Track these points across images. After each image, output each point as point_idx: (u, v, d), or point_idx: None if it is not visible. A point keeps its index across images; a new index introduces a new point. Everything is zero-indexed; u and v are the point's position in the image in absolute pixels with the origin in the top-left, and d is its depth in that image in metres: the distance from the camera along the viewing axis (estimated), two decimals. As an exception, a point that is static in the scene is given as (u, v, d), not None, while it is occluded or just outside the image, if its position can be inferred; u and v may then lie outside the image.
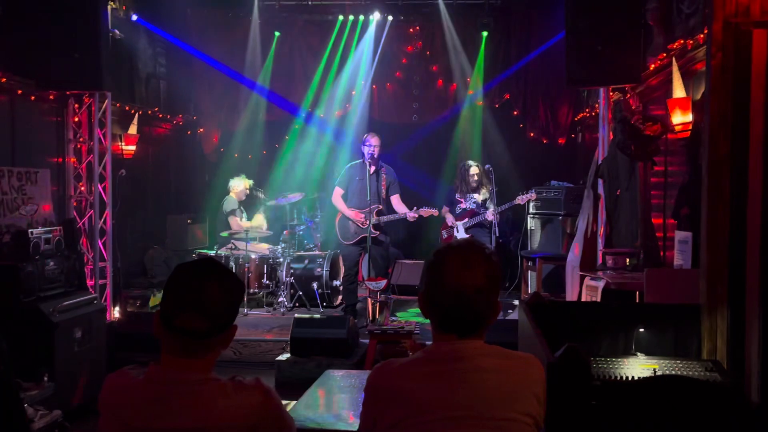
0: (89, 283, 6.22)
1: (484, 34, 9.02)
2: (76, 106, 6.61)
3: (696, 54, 4.92)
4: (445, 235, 7.46)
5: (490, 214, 7.00)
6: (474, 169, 7.24)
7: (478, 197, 7.22)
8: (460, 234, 7.28)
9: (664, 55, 5.49)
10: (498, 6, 8.89)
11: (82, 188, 6.64)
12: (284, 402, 1.83)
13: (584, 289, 5.22)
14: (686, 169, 5.04)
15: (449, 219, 7.34)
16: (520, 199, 7.12)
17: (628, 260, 5.21)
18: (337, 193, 6.98)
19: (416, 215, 6.82)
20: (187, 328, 1.63)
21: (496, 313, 1.77)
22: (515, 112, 9.39)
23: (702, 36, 4.69)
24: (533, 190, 7.26)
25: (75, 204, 6.60)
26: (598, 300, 4.80)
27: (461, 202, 7.34)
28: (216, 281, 1.68)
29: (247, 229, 7.39)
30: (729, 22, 2.86)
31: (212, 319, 1.65)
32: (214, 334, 1.66)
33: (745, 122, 2.88)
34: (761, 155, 2.84)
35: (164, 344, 1.68)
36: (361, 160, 6.87)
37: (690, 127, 4.93)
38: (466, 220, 7.25)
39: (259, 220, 7.96)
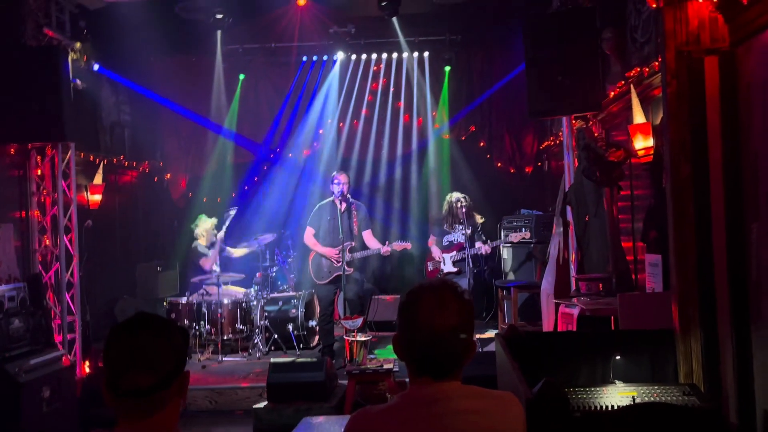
0: (57, 338, 6.05)
1: (447, 68, 9.16)
2: (39, 158, 6.51)
3: (652, 81, 5.04)
4: (431, 268, 7.42)
5: (483, 249, 7.02)
6: (462, 201, 7.25)
7: (464, 230, 7.17)
8: (447, 267, 7.27)
9: (623, 82, 5.61)
10: (459, 42, 9.05)
11: (47, 241, 6.50)
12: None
13: (560, 316, 5.22)
14: (651, 192, 5.11)
15: (435, 252, 7.31)
16: (513, 237, 7.25)
17: (601, 285, 5.24)
18: (309, 233, 6.95)
19: (389, 249, 6.82)
20: (134, 387, 1.55)
21: (471, 352, 1.74)
22: (482, 144, 9.50)
23: (657, 63, 4.81)
24: (525, 230, 7.40)
25: (40, 258, 6.44)
26: (574, 327, 4.80)
27: (449, 233, 7.36)
28: (150, 331, 1.61)
29: (217, 273, 7.29)
30: (681, 50, 2.95)
31: (156, 372, 1.57)
32: (164, 386, 1.58)
33: (704, 146, 2.94)
34: (722, 177, 2.90)
35: (118, 410, 1.60)
36: (331, 199, 6.86)
37: (652, 152, 5.02)
38: (454, 253, 7.24)
39: (241, 251, 7.93)
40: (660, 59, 4.54)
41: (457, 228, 7.30)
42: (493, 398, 1.76)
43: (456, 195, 7.40)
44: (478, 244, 7.13)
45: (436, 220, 7.75)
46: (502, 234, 7.90)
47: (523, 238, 7.33)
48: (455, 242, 7.31)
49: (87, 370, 6.46)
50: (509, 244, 8.08)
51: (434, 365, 1.71)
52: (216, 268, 7.51)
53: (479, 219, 7.36)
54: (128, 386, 1.57)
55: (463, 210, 7.19)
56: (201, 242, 7.69)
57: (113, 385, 1.58)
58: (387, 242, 6.89)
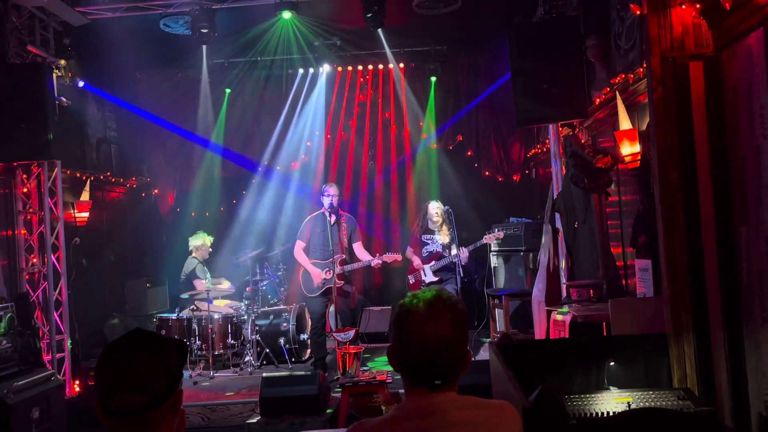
0: (46, 358, 5.98)
1: (433, 79, 9.20)
2: (24, 176, 6.46)
3: (638, 87, 5.08)
4: (413, 280, 7.35)
5: (462, 254, 6.92)
6: (433, 209, 7.18)
7: (441, 239, 7.16)
8: (428, 277, 7.19)
9: (608, 89, 5.65)
10: (444, 52, 9.09)
11: (35, 260, 6.44)
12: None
13: (551, 324, 5.22)
14: (640, 198, 5.14)
15: (416, 261, 7.25)
16: (487, 239, 7.14)
17: (592, 292, 5.25)
18: (299, 246, 6.92)
19: (380, 261, 6.79)
20: (124, 408, 1.54)
21: (466, 362, 1.74)
22: (469, 153, 9.54)
23: (641, 69, 4.85)
24: (497, 229, 7.28)
25: (27, 277, 6.37)
26: (566, 334, 4.80)
27: (427, 243, 7.28)
28: (143, 350, 1.59)
29: (209, 290, 7.28)
30: (666, 56, 2.97)
31: (149, 392, 1.55)
32: (156, 405, 1.56)
33: (692, 151, 2.96)
34: (710, 181, 2.92)
35: (110, 430, 1.58)
36: (321, 211, 6.84)
37: (639, 157, 5.05)
38: (433, 263, 7.16)
39: (224, 284, 7.91)
40: (645, 65, 4.58)
41: (434, 239, 7.24)
42: (490, 408, 1.75)
43: (433, 203, 7.30)
44: (454, 251, 7.03)
45: (413, 230, 7.56)
46: (492, 243, 7.90)
47: (497, 238, 7.25)
48: (433, 252, 7.23)
49: (77, 389, 6.38)
50: (496, 252, 8.09)
51: (429, 376, 1.70)
52: (209, 286, 7.50)
53: (445, 232, 7.18)
54: (120, 406, 1.55)
55: (439, 218, 7.13)
56: (197, 256, 7.71)
57: (105, 405, 1.56)
58: (377, 254, 6.87)
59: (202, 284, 7.54)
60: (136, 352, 1.59)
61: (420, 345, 1.68)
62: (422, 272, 7.22)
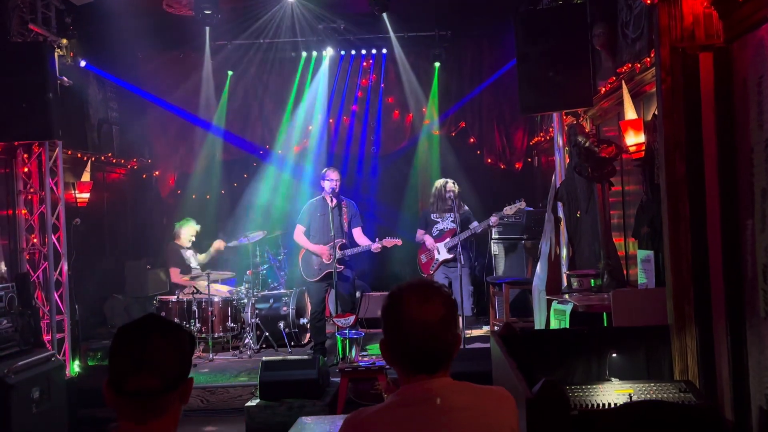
0: (46, 338, 5.99)
1: (437, 64, 9.13)
2: (25, 156, 6.43)
3: (644, 76, 5.04)
4: (425, 259, 7.27)
5: (484, 225, 6.91)
6: (450, 186, 7.09)
7: (454, 216, 6.97)
8: (442, 255, 7.10)
9: (614, 78, 5.61)
10: (449, 37, 9.02)
11: (35, 240, 6.43)
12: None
13: (552, 313, 5.22)
14: (643, 188, 5.12)
15: (428, 241, 7.17)
16: (508, 210, 6.95)
17: (592, 281, 5.24)
18: (299, 230, 6.91)
19: (380, 246, 6.77)
20: (139, 389, 1.56)
21: (458, 344, 1.76)
22: (472, 140, 9.49)
23: (648, 59, 4.81)
24: (518, 201, 6.99)
25: (27, 257, 6.37)
26: (567, 324, 4.80)
27: (438, 222, 7.20)
28: (160, 336, 1.61)
29: (195, 277, 7.28)
30: (675, 47, 2.94)
31: (164, 376, 1.58)
32: (169, 390, 1.59)
33: (699, 143, 2.94)
34: (717, 174, 2.90)
35: (119, 411, 1.60)
36: (322, 196, 6.83)
37: (643, 147, 5.02)
38: (447, 240, 7.08)
39: (214, 247, 7.83)
40: (652, 55, 4.55)
41: (446, 216, 7.15)
42: (488, 394, 1.76)
43: (444, 180, 7.23)
44: (474, 224, 6.98)
45: (423, 212, 7.51)
46: (493, 230, 7.89)
47: (519, 209, 6.99)
48: (446, 230, 7.15)
49: (77, 369, 6.40)
50: (496, 240, 8.07)
51: (429, 359, 1.71)
52: (185, 279, 7.48)
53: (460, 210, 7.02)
54: (133, 388, 1.57)
55: (451, 194, 7.03)
56: (175, 245, 7.68)
57: (117, 386, 1.57)
58: (377, 239, 6.86)
59: (177, 274, 7.55)
60: (152, 335, 1.61)
61: (420, 329, 1.68)
62: (435, 250, 7.13)
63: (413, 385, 1.71)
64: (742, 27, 2.82)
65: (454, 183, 7.18)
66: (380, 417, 1.70)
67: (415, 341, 1.69)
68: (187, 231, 7.77)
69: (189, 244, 7.79)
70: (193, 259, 7.79)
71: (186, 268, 7.63)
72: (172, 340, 1.62)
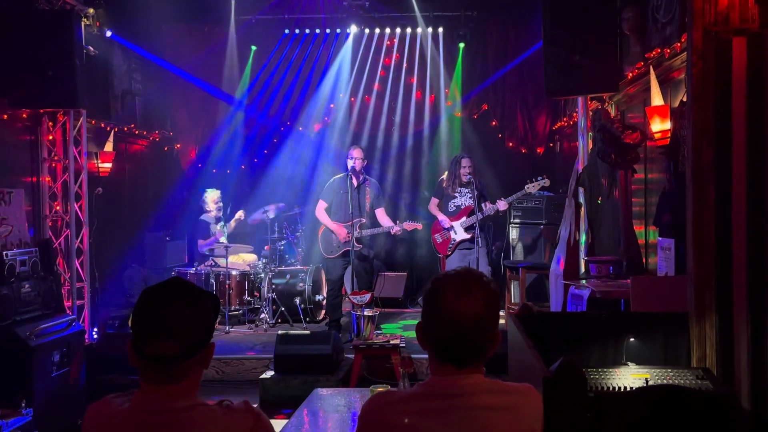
0: (66, 304, 6.09)
1: (461, 45, 9.06)
2: (50, 124, 6.49)
3: (673, 62, 4.97)
4: (440, 240, 6.96)
5: (501, 204, 6.61)
6: (466, 161, 6.82)
7: (472, 192, 6.69)
8: (459, 235, 6.78)
9: (642, 63, 5.54)
10: (474, 18, 8.93)
11: (58, 207, 6.51)
12: (272, 422, 1.78)
13: (569, 298, 5.21)
14: (666, 176, 5.07)
15: (442, 219, 6.87)
16: (529, 187, 6.67)
17: (611, 268, 5.22)
18: (321, 206, 6.92)
19: (400, 229, 6.71)
20: (159, 354, 1.58)
21: (496, 343, 1.71)
22: (494, 123, 9.43)
23: (679, 45, 4.74)
24: (540, 177, 6.73)
25: (50, 224, 6.46)
26: (584, 309, 4.79)
27: (456, 197, 6.88)
28: (183, 302, 1.62)
29: (227, 244, 7.34)
30: (709, 30, 2.88)
31: (184, 342, 1.60)
32: (189, 356, 1.61)
33: (728, 130, 2.89)
34: (745, 162, 2.85)
35: (141, 372, 1.63)
36: (346, 173, 6.83)
37: (669, 135, 4.97)
38: (464, 219, 6.78)
39: (235, 217, 7.89)
40: (683, 40, 4.48)
41: (462, 191, 6.85)
42: (516, 393, 1.74)
43: (458, 155, 7.02)
44: (487, 206, 6.71)
45: (439, 180, 7.18)
46: (512, 214, 7.86)
47: (543, 186, 6.72)
48: (462, 206, 6.83)
49: (95, 336, 6.51)
50: (515, 224, 8.03)
51: (457, 353, 1.68)
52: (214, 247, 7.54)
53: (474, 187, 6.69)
54: (155, 352, 1.59)
55: (468, 170, 6.77)
56: (205, 219, 7.75)
57: (139, 349, 1.60)
58: (397, 221, 6.83)
59: (204, 243, 7.62)
60: (175, 301, 1.62)
61: (450, 321, 1.66)
62: (452, 230, 6.85)
63: (442, 378, 1.70)
64: (778, 12, 2.76)
65: (471, 159, 6.91)
66: (406, 404, 1.70)
67: (445, 333, 1.68)
68: (211, 196, 7.83)
69: (217, 212, 7.82)
70: (221, 230, 7.84)
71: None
72: (195, 307, 1.63)
